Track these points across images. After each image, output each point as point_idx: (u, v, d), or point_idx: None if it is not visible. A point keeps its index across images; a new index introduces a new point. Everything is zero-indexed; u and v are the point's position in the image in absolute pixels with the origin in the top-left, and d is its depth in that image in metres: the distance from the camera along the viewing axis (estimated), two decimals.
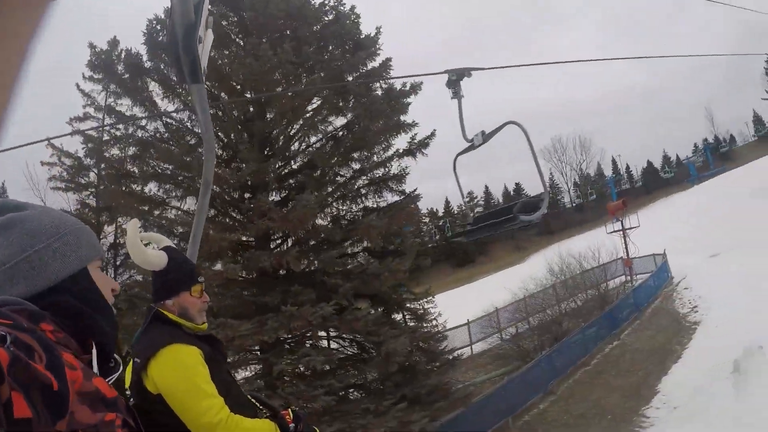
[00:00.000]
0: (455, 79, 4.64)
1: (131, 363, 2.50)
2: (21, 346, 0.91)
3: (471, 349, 26.24)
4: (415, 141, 16.63)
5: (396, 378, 14.19)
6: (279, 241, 15.19)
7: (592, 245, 29.09)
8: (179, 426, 2.35)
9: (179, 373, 2.37)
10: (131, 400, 2.42)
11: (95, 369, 1.28)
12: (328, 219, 16.28)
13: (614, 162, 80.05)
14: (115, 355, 1.43)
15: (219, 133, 15.20)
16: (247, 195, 15.03)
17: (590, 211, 71.40)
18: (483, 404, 16.13)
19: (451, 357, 18.02)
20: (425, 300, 17.84)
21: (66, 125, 17.08)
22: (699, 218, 43.21)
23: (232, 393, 2.56)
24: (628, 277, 30.69)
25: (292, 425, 2.58)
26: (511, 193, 79.88)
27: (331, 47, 15.92)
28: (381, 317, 14.48)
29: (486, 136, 4.39)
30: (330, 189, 15.96)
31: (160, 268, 2.60)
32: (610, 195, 71.10)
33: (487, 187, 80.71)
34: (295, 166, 16.15)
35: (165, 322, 2.56)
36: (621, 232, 31.77)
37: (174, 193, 15.19)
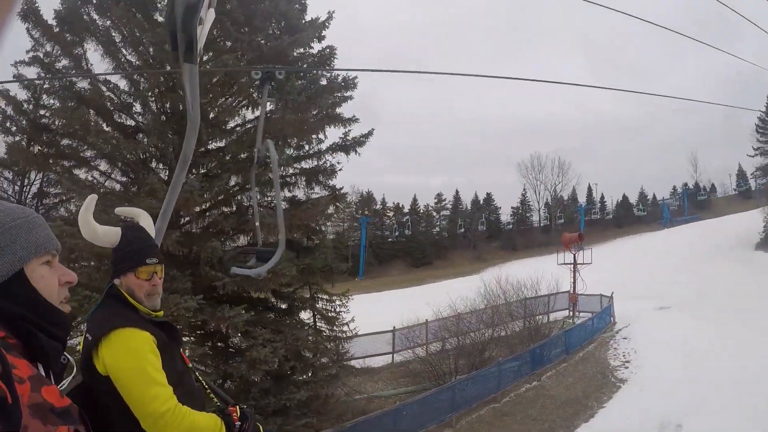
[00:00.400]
0: (263, 78, 4.16)
1: (83, 338, 2.43)
2: None
3: (392, 357, 24.30)
4: (349, 138, 15.91)
5: (264, 384, 13.48)
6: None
7: (541, 271, 27.33)
8: (125, 409, 2.27)
9: (129, 358, 2.28)
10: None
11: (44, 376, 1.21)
12: (233, 207, 15.41)
13: (590, 189, 78.33)
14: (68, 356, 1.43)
15: (132, 101, 14.33)
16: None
17: (557, 234, 70.04)
18: (372, 423, 14.32)
19: (346, 365, 17.61)
20: (341, 301, 17.42)
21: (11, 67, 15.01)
22: (659, 264, 41.68)
23: (184, 383, 2.50)
24: (571, 313, 28.88)
25: (237, 423, 2.47)
26: (480, 201, 77.84)
27: (255, 23, 14.41)
28: (255, 320, 13.45)
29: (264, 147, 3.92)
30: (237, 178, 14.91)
31: (111, 245, 2.56)
32: (578, 221, 70.00)
33: (457, 192, 78.46)
34: (211, 147, 14.90)
35: (121, 302, 2.48)
36: (572, 266, 29.76)
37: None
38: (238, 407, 2.57)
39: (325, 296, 17.26)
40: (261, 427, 2.67)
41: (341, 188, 17.09)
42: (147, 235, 2.65)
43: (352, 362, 23.85)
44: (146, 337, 2.37)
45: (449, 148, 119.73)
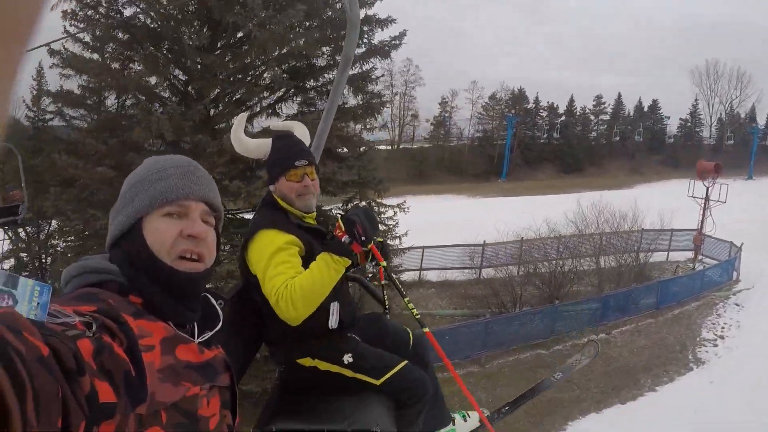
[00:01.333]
0: None
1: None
2: (105, 332, 0.93)
3: (479, 273, 22.22)
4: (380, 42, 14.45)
5: None
6: None
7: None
8: (273, 311, 2.34)
9: (265, 253, 2.35)
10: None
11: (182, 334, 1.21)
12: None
13: None
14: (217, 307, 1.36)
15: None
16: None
17: (726, 156, 61.17)
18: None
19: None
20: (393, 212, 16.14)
21: None
22: None
23: (335, 289, 2.38)
24: (694, 258, 24.68)
25: (346, 238, 2.33)
26: (644, 108, 69.13)
27: None
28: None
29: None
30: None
31: (264, 156, 2.64)
32: (750, 144, 60.62)
33: (619, 95, 70.08)
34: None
35: (273, 207, 2.58)
36: (702, 200, 24.90)
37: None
38: (340, 218, 2.45)
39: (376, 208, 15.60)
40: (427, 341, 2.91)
41: (382, 96, 15.69)
42: (296, 141, 2.64)
43: (428, 274, 23.10)
44: (287, 238, 2.40)
45: (616, 47, 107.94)
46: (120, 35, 13.21)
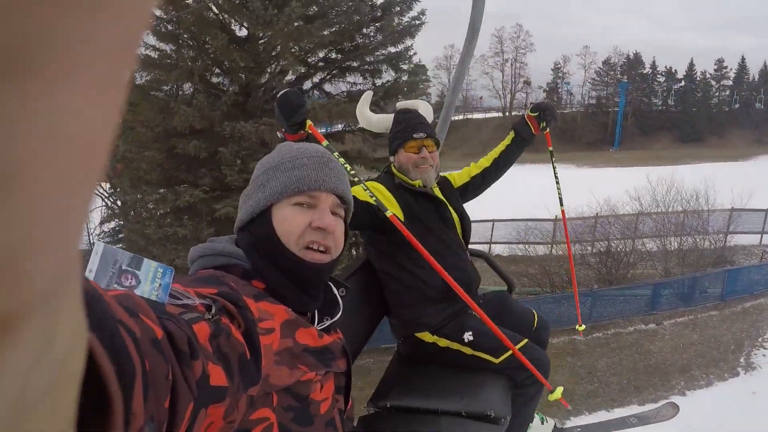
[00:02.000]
0: None
1: None
2: (224, 315, 0.94)
3: (551, 248, 20.59)
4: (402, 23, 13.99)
5: None
6: None
7: None
8: (393, 285, 2.56)
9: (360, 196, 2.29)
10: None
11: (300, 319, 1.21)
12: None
13: None
14: (332, 287, 1.37)
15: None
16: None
17: None
18: None
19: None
20: None
21: None
22: None
23: (447, 258, 2.43)
24: None
25: (541, 129, 2.95)
26: None
27: None
28: None
29: None
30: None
31: (386, 130, 2.75)
32: None
33: (743, 59, 62.97)
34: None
35: (387, 173, 2.68)
36: None
37: None
38: (534, 113, 2.92)
39: None
40: (546, 322, 2.99)
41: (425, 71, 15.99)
42: (416, 115, 2.67)
43: (496, 248, 22.21)
44: (375, 185, 2.49)
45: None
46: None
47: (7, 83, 0.16)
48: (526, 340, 2.51)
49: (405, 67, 14.71)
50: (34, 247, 0.17)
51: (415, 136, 2.57)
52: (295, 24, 12.17)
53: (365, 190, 2.29)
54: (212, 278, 1.10)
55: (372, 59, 14.33)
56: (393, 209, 2.39)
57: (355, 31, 13.76)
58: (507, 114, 61.06)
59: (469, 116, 65.50)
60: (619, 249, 17.89)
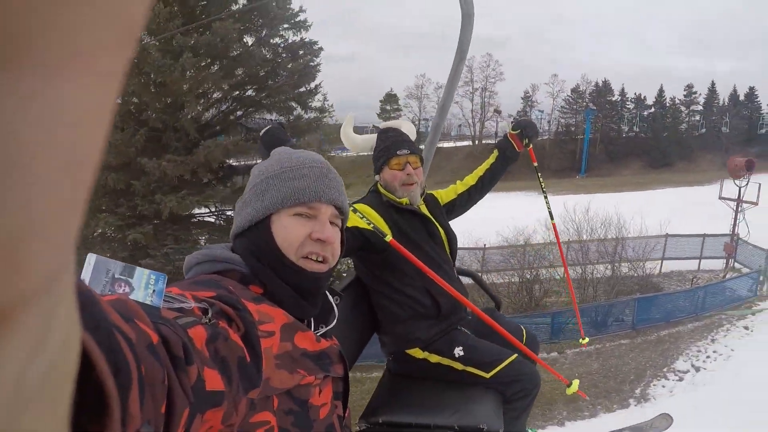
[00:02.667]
0: None
1: None
2: (222, 317, 0.93)
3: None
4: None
5: None
6: None
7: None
8: (383, 302, 2.55)
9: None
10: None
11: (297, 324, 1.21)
12: None
13: None
14: (329, 296, 1.38)
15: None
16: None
17: None
18: None
19: None
20: None
21: None
22: None
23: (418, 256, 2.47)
24: (725, 267, 21.14)
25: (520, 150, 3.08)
26: (739, 96, 61.80)
27: None
28: None
29: None
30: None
31: (370, 150, 2.73)
32: None
33: (713, 84, 63.56)
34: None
35: (374, 193, 2.64)
36: (735, 203, 21.17)
37: None
38: (515, 131, 3.01)
39: None
40: (534, 335, 3.01)
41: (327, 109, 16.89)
42: (399, 133, 2.66)
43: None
44: (364, 208, 2.46)
45: (708, 26, 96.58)
46: None
47: (7, 72, 0.15)
48: (515, 355, 2.52)
49: (312, 104, 16.07)
50: (33, 236, 0.17)
51: (398, 153, 2.56)
52: (188, 73, 13.45)
53: (355, 212, 2.32)
54: (210, 281, 1.09)
55: (282, 98, 15.57)
56: (382, 229, 2.38)
57: (261, 74, 15.16)
58: (477, 142, 60.84)
59: (440, 145, 64.32)
60: (532, 277, 17.34)
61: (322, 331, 1.31)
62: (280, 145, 2.13)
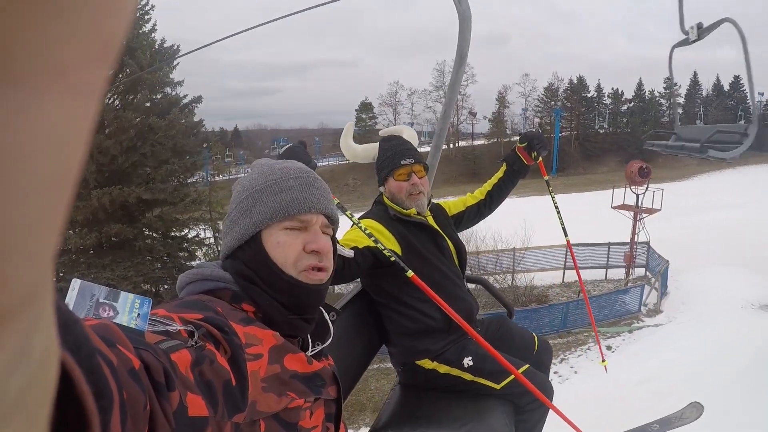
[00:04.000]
0: None
1: None
2: (209, 340, 0.92)
3: None
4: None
5: None
6: None
7: None
8: (390, 313, 2.47)
9: (349, 238, 2.31)
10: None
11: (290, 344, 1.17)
12: None
13: None
14: (324, 313, 1.33)
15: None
16: None
17: None
18: None
19: None
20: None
21: None
22: None
23: (445, 288, 2.40)
24: (626, 277, 19.48)
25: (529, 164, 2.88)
26: (726, 88, 58.90)
27: None
28: None
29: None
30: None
31: (372, 159, 2.61)
32: None
33: (695, 74, 60.25)
34: None
35: (380, 205, 2.56)
36: (633, 211, 19.45)
37: None
38: (524, 143, 2.83)
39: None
40: (548, 344, 2.86)
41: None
42: (402, 141, 2.55)
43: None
44: (372, 224, 2.37)
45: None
46: None
47: None
48: (527, 366, 2.43)
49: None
50: (13, 251, 0.17)
51: (402, 162, 2.46)
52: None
53: (364, 231, 2.22)
54: (198, 303, 1.05)
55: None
56: (389, 244, 2.34)
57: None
58: (452, 146, 59.32)
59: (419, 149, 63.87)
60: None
61: (318, 349, 1.26)
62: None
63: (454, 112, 60.72)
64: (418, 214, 2.49)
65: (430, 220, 2.58)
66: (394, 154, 2.48)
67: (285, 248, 1.18)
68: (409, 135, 2.63)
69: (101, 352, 0.56)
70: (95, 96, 0.19)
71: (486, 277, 15.82)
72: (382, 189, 2.54)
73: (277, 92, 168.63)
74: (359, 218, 2.38)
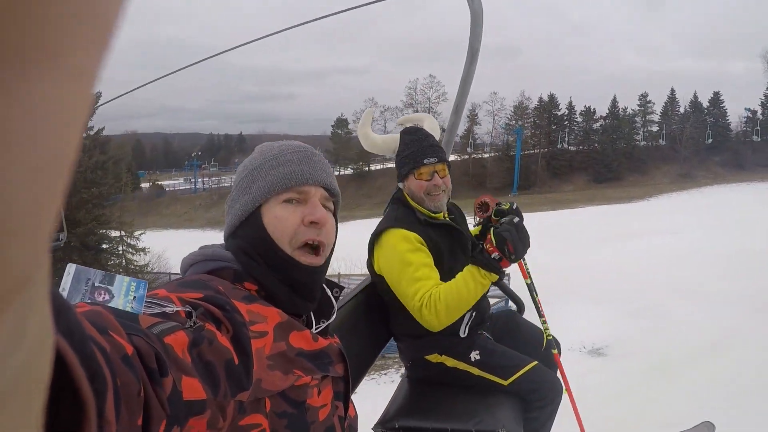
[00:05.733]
0: None
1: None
2: (209, 319, 0.90)
3: None
4: None
5: None
6: None
7: None
8: (401, 306, 2.30)
9: (394, 257, 2.26)
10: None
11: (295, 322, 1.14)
12: None
13: None
14: (326, 289, 1.29)
15: None
16: None
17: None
18: None
19: None
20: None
21: None
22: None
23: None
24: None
25: (495, 254, 2.14)
26: (701, 104, 56.32)
27: None
28: None
29: None
30: None
31: (393, 152, 2.52)
32: None
33: (673, 91, 57.96)
34: None
35: (402, 204, 2.44)
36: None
37: None
38: (491, 231, 2.17)
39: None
40: (556, 339, 2.67)
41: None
42: (425, 136, 2.43)
43: None
44: (409, 236, 2.27)
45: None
46: None
47: None
48: (535, 363, 2.39)
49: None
50: (10, 235, 0.17)
51: (425, 162, 2.35)
52: None
53: (409, 242, 2.23)
54: (197, 282, 1.03)
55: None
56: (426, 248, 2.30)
57: None
58: None
59: (390, 165, 62.59)
60: None
61: (323, 326, 1.23)
62: None
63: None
64: (437, 212, 2.41)
65: (448, 218, 2.50)
66: (417, 151, 2.37)
67: (283, 222, 1.16)
68: (431, 126, 2.54)
69: (94, 339, 0.55)
70: (91, 79, 0.18)
71: None
72: (401, 185, 2.45)
73: (291, 97, 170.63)
74: (384, 224, 2.33)
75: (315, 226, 1.16)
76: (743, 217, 21.85)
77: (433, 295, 2.13)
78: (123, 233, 27.61)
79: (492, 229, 2.20)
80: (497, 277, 2.18)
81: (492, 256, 2.12)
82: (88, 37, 0.17)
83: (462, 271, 2.19)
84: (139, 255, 28.25)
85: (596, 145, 56.13)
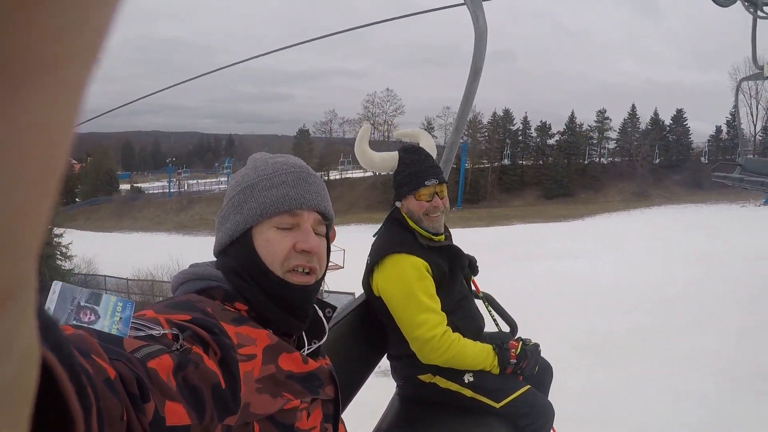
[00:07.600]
0: None
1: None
2: (197, 342, 0.88)
3: None
4: None
5: None
6: None
7: None
8: (396, 329, 2.22)
9: (399, 284, 2.16)
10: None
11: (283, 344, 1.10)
12: None
13: None
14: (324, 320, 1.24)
15: None
16: None
17: None
18: None
19: None
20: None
21: None
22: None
23: (462, 307, 2.34)
24: None
25: (513, 361, 2.20)
26: (662, 121, 53.62)
27: None
28: None
29: None
30: None
31: (391, 170, 2.35)
32: None
33: (633, 107, 55.69)
34: None
35: (400, 226, 2.29)
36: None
37: None
38: (521, 343, 2.28)
39: None
40: (549, 364, 2.58)
41: None
42: (425, 156, 2.30)
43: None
44: (417, 263, 2.17)
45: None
46: None
47: None
48: (528, 387, 2.30)
49: None
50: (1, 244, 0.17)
51: (427, 183, 2.23)
52: None
53: (418, 270, 2.14)
54: (186, 304, 1.00)
55: None
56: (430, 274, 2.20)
57: None
58: (379, 174, 55.64)
59: (348, 175, 62.67)
60: None
61: (314, 347, 1.20)
62: None
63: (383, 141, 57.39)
64: (436, 234, 2.29)
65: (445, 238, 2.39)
66: (418, 172, 2.24)
67: (274, 246, 1.12)
68: (427, 144, 2.40)
69: (78, 361, 0.52)
70: (82, 91, 0.18)
71: None
72: (398, 204, 2.31)
73: (288, 98, 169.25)
74: (385, 247, 2.21)
75: (306, 254, 1.12)
76: (647, 246, 20.11)
77: (447, 337, 2.10)
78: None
79: (522, 342, 2.26)
80: (498, 371, 2.20)
81: (511, 361, 2.19)
82: (77, 50, 0.17)
83: (458, 290, 2.31)
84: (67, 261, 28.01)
85: (549, 159, 53.51)
